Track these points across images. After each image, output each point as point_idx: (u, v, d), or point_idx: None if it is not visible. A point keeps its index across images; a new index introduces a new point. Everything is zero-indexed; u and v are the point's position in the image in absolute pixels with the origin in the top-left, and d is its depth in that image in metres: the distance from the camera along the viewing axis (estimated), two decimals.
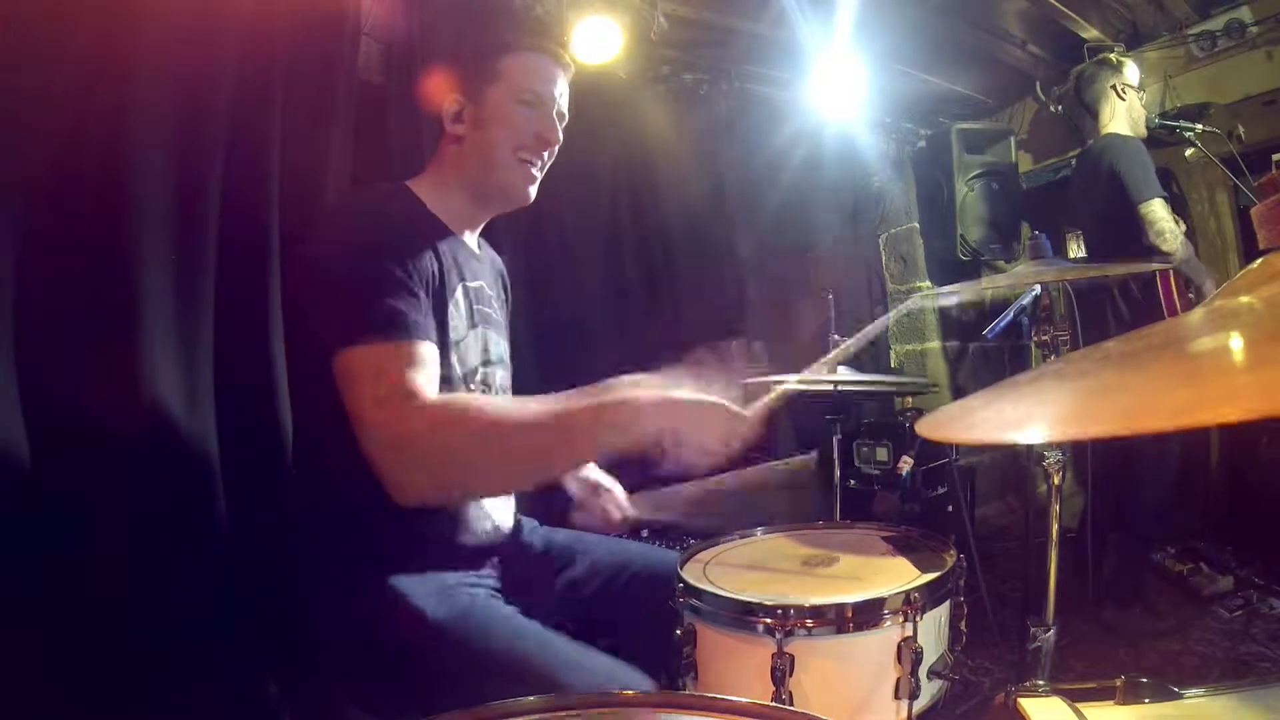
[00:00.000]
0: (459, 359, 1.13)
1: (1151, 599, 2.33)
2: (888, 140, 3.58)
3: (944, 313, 3.76)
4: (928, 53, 2.90)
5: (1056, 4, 2.72)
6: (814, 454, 2.88)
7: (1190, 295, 2.35)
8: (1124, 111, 2.43)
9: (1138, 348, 0.52)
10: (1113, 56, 2.59)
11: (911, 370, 3.72)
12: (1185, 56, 2.87)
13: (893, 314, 3.49)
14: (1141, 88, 2.52)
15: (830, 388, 1.72)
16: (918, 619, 1.01)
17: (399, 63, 1.94)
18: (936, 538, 1.24)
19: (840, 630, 1.00)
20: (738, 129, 3.01)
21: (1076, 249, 3.17)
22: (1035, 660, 1.28)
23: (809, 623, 0.99)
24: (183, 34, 1.36)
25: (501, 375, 1.25)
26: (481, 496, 1.13)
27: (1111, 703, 0.76)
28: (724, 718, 0.64)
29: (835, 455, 2.01)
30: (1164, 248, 2.20)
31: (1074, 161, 2.87)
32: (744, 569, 1.19)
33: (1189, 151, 2.77)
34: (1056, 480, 1.31)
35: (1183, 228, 2.30)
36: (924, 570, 1.10)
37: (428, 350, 1.00)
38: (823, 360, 1.33)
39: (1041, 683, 0.96)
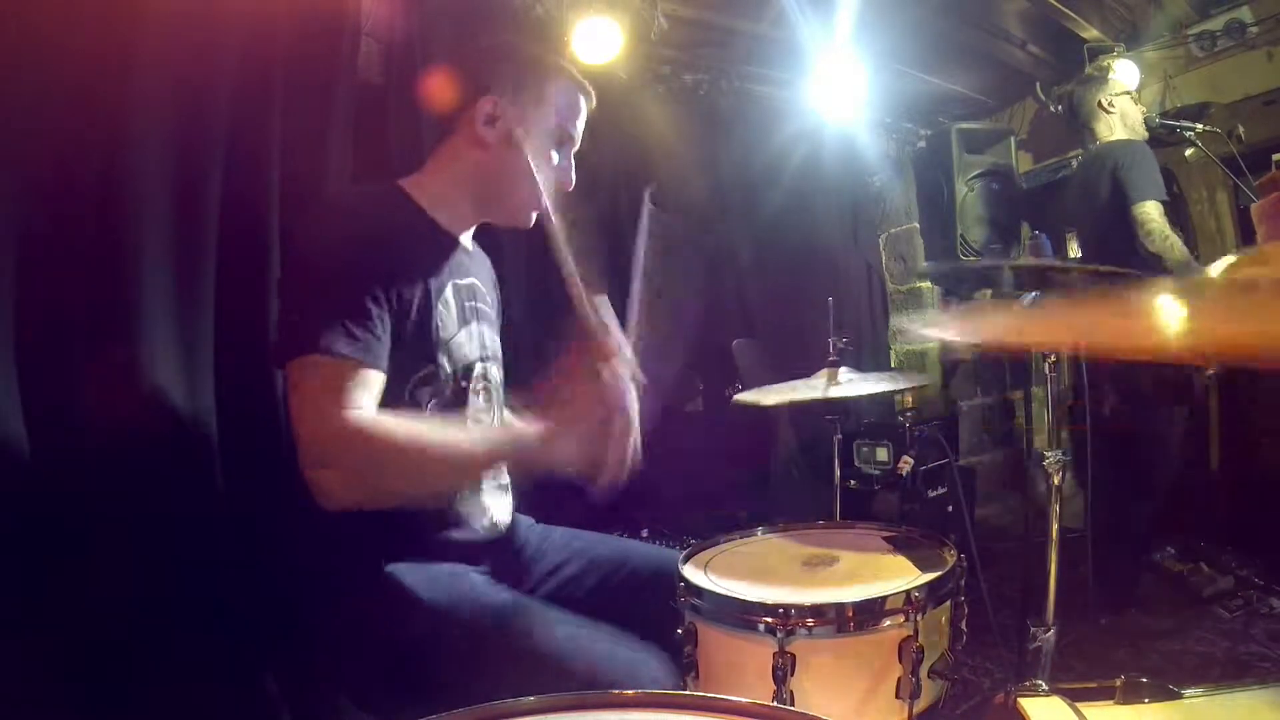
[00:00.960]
0: (449, 357, 1.13)
1: (1151, 599, 2.33)
2: (888, 140, 3.58)
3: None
4: (928, 53, 2.90)
5: (1056, 4, 2.72)
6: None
7: None
8: (1118, 121, 2.44)
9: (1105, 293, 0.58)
10: (1099, 67, 2.59)
11: (912, 370, 3.72)
12: (1185, 56, 2.87)
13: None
14: (1139, 88, 2.52)
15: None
16: (919, 619, 1.01)
17: (399, 63, 1.94)
18: (936, 537, 1.24)
19: (841, 630, 1.01)
20: (738, 129, 3.01)
21: (1077, 249, 3.17)
22: (1035, 660, 1.27)
23: (810, 622, 1.00)
24: (183, 34, 1.36)
25: (495, 370, 1.25)
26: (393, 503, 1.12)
27: (1111, 703, 0.76)
28: (724, 718, 0.64)
29: (835, 455, 2.01)
30: (1151, 248, 2.19)
31: (1073, 162, 2.87)
32: (745, 568, 1.19)
33: (1189, 151, 2.77)
34: (1056, 480, 1.31)
35: (1180, 236, 2.29)
36: (924, 570, 1.10)
37: (373, 375, 1.01)
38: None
39: (1041, 683, 0.96)
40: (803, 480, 2.88)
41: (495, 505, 1.20)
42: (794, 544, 1.31)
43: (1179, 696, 0.76)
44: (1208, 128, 2.48)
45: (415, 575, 1.04)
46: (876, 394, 1.77)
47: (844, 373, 1.68)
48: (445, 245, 1.18)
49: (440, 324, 1.12)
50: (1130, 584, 2.32)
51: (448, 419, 1.11)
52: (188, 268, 1.38)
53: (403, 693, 1.00)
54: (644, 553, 1.29)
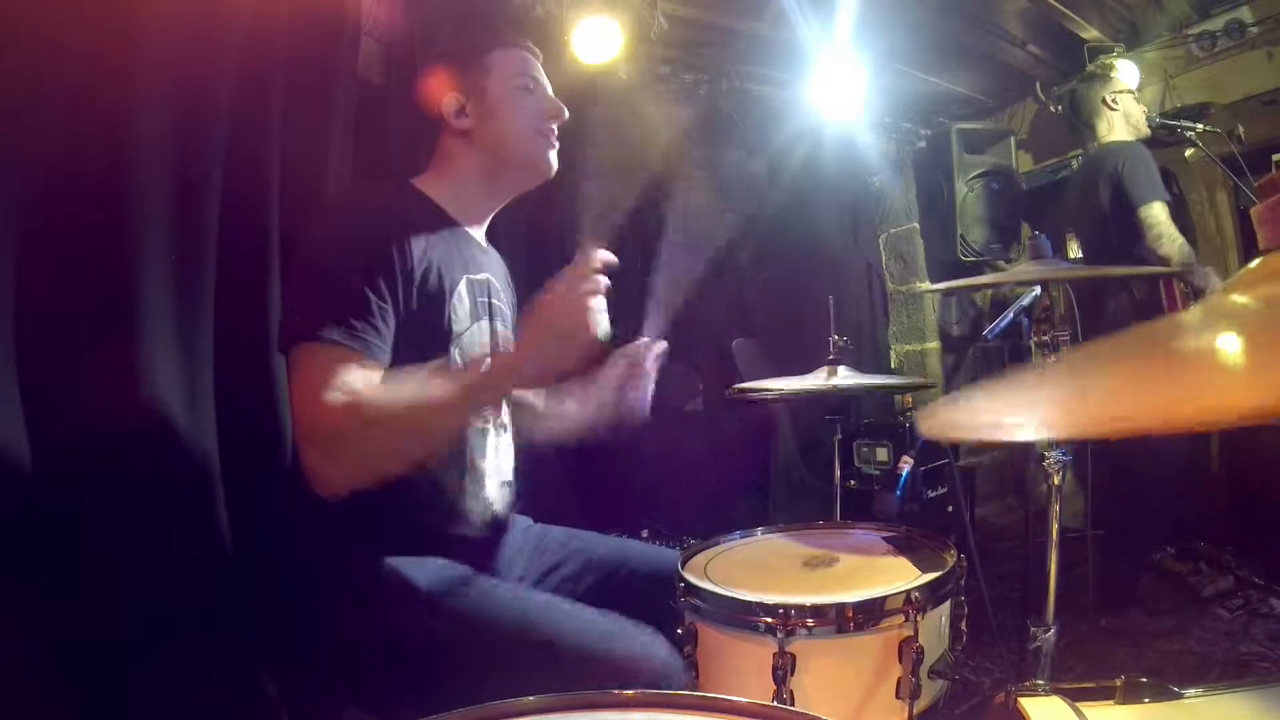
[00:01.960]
0: (462, 351, 1.14)
1: (1151, 599, 2.33)
2: (888, 140, 3.58)
3: (944, 313, 3.76)
4: (928, 53, 2.90)
5: (1056, 4, 2.72)
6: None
7: (1192, 300, 2.35)
8: (1120, 119, 2.44)
9: (1131, 346, 0.52)
10: (1102, 65, 2.59)
11: (911, 370, 3.72)
12: (1185, 56, 2.87)
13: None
14: (1139, 88, 2.52)
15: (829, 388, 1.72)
16: (919, 619, 1.01)
17: (399, 63, 1.94)
18: (937, 538, 1.24)
19: (841, 630, 1.01)
20: (738, 129, 3.01)
21: (1076, 249, 3.17)
22: (1035, 660, 1.27)
23: (810, 622, 0.99)
24: (183, 34, 1.36)
25: None
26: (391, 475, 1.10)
27: (1111, 703, 0.76)
28: (724, 717, 0.64)
29: (835, 455, 2.01)
30: (1161, 251, 2.19)
31: (1073, 162, 2.86)
32: (745, 569, 1.19)
33: (1189, 151, 2.77)
34: (1056, 480, 1.31)
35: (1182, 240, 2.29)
36: (924, 570, 1.10)
37: (370, 364, 1.01)
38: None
39: (1041, 683, 0.96)
40: (803, 481, 2.88)
41: (496, 500, 1.20)
42: (794, 544, 1.31)
43: (1179, 696, 0.76)
44: (1208, 128, 2.48)
45: (415, 569, 1.04)
46: (874, 386, 1.77)
47: (843, 370, 1.68)
48: (458, 239, 1.20)
49: (454, 317, 1.13)
50: (1130, 584, 2.31)
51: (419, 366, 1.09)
52: (188, 267, 1.38)
53: (403, 689, 1.00)
54: (642, 553, 1.29)
